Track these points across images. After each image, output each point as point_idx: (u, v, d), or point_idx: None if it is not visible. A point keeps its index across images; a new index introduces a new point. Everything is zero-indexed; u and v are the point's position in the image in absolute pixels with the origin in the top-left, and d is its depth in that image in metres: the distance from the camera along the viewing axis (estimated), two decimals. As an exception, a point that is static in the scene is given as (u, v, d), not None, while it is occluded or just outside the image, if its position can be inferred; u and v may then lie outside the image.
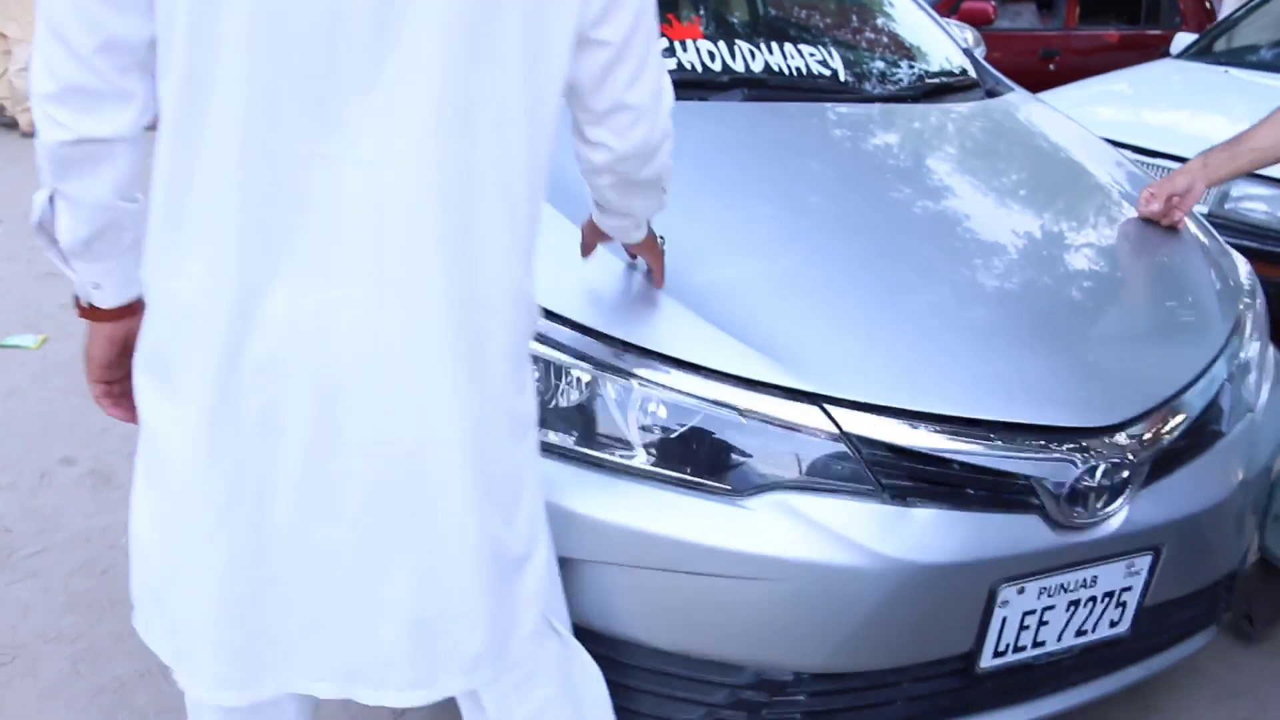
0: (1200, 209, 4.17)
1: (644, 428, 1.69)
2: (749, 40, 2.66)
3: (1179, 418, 1.86)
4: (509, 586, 1.37)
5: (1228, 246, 2.48)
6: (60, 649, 2.31)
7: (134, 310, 1.33)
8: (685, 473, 1.66)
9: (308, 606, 1.28)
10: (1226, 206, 4.17)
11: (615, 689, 1.77)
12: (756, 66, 2.61)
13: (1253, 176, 4.08)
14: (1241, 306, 2.21)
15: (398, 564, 1.27)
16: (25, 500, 2.78)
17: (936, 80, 2.93)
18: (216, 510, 1.23)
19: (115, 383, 1.41)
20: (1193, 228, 2.44)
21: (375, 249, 1.15)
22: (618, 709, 1.77)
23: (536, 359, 1.72)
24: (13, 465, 2.92)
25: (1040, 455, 1.71)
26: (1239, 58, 5.24)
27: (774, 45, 2.68)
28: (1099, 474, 1.73)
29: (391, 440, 1.21)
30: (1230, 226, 4.05)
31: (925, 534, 1.66)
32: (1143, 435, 1.79)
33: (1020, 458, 1.70)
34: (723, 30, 2.76)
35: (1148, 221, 2.36)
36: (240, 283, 1.15)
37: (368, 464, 1.22)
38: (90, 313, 1.35)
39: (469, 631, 1.33)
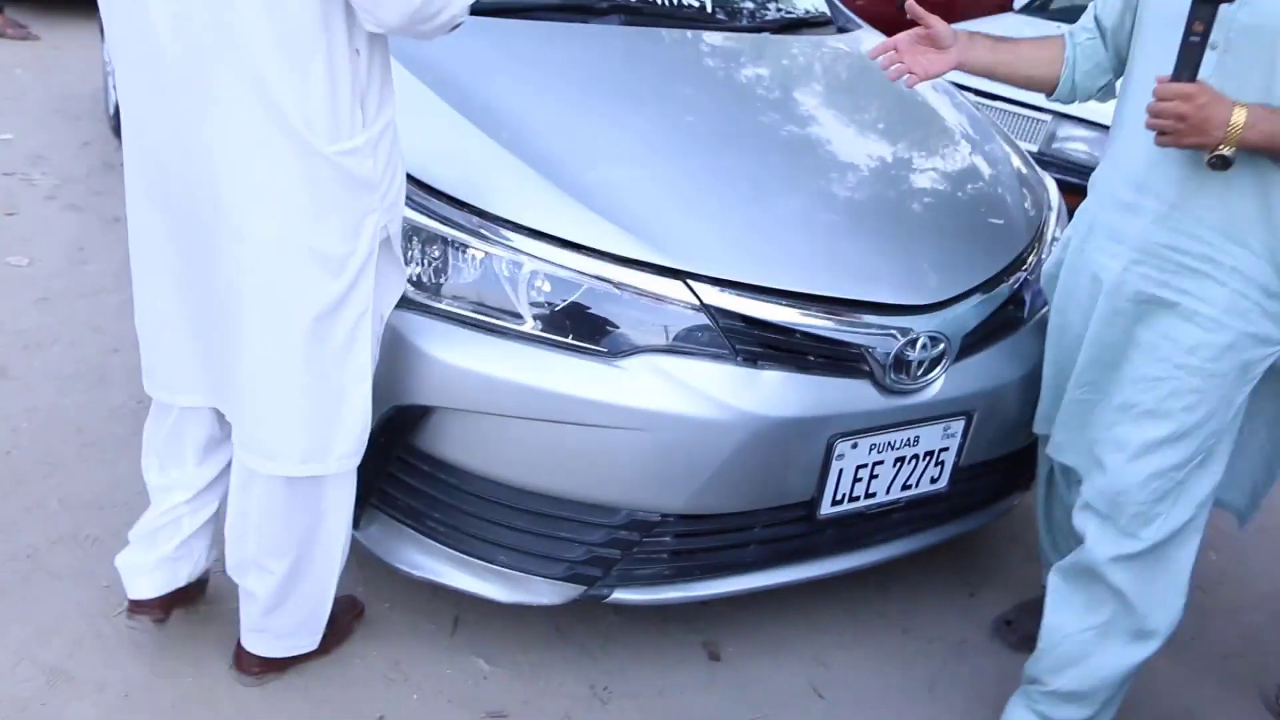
0: (1030, 148, 4.59)
1: (532, 301, 1.93)
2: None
3: (985, 303, 2.18)
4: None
5: (1041, 171, 2.82)
6: (-30, 525, 2.43)
7: None
8: (567, 337, 1.91)
9: None
10: (1054, 146, 4.62)
11: (509, 532, 2.03)
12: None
13: (1075, 120, 4.51)
14: (1044, 218, 2.55)
15: None
16: (-80, 395, 2.85)
17: (794, 16, 3.20)
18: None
19: None
20: (1009, 154, 2.76)
21: None
22: (512, 550, 2.02)
23: (436, 237, 1.95)
24: (-97, 365, 2.98)
25: (868, 328, 2.01)
26: (1071, 16, 5.66)
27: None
28: (918, 346, 2.04)
29: None
30: (1056, 164, 4.48)
31: (772, 392, 1.95)
32: (953, 315, 2.10)
33: (852, 329, 2.00)
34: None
35: (970, 145, 2.66)
36: None
37: None
38: None
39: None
